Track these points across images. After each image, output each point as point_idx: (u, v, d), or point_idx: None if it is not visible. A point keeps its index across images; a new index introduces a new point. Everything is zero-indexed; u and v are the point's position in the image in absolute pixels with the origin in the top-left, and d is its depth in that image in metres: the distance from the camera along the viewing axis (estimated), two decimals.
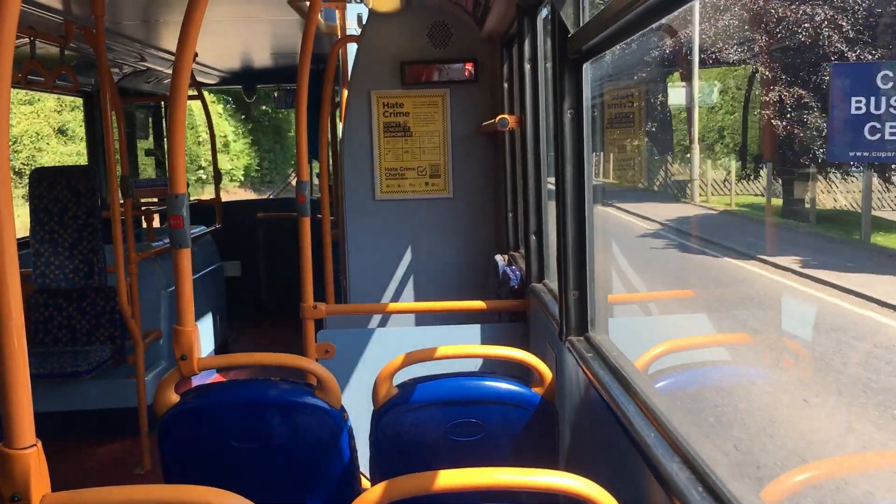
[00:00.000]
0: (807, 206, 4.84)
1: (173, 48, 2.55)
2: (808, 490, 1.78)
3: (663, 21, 2.17)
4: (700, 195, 7.22)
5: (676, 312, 3.81)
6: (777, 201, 5.69)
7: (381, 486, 1.82)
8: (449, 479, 1.84)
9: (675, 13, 1.92)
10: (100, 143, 7.75)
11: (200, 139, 21.97)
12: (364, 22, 5.43)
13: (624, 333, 3.02)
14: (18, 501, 1.60)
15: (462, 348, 3.17)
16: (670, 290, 4.35)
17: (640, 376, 2.33)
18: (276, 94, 8.89)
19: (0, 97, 1.49)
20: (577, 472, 1.87)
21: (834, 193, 4.48)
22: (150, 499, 1.81)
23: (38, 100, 19.36)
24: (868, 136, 2.26)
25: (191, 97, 7.29)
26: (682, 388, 2.58)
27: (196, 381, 3.41)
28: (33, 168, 5.59)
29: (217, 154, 8.26)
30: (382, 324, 5.20)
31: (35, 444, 1.60)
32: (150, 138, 8.91)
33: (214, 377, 6.27)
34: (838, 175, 4.31)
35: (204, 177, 21.76)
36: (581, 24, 2.74)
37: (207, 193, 17.25)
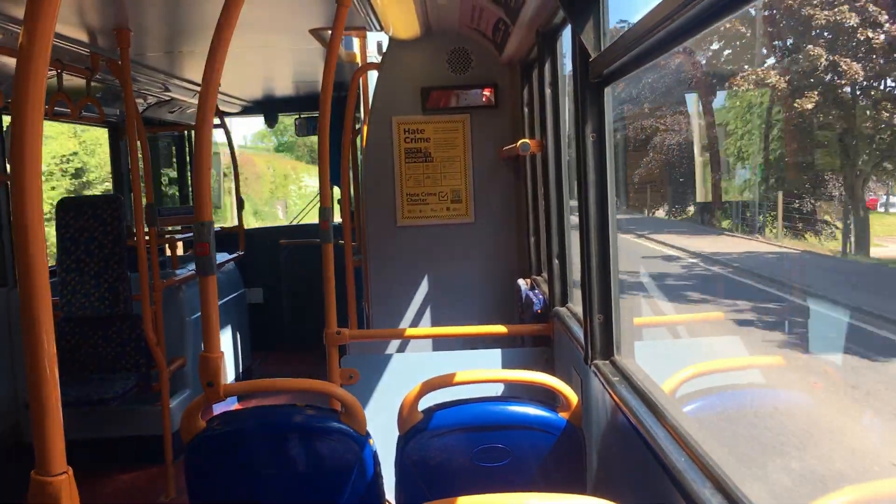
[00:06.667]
0: None
1: (197, 78, 2.58)
2: None
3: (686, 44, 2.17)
4: None
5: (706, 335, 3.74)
6: None
7: None
8: None
9: (699, 36, 1.92)
10: (125, 172, 7.85)
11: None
12: (384, 49, 5.48)
13: (649, 356, 2.99)
14: None
15: (487, 373, 3.15)
16: (699, 313, 4.27)
17: (668, 400, 2.31)
18: (297, 123, 8.97)
19: (33, 130, 1.51)
20: (606, 497, 1.85)
21: None
22: None
23: None
24: None
25: (214, 126, 7.37)
26: (711, 412, 2.54)
27: (217, 409, 3.42)
28: (59, 199, 5.66)
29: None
30: (405, 349, 5.19)
31: (66, 472, 1.60)
32: (175, 167, 9.02)
33: (235, 406, 6.27)
34: None
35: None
36: (602, 49, 2.75)
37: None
